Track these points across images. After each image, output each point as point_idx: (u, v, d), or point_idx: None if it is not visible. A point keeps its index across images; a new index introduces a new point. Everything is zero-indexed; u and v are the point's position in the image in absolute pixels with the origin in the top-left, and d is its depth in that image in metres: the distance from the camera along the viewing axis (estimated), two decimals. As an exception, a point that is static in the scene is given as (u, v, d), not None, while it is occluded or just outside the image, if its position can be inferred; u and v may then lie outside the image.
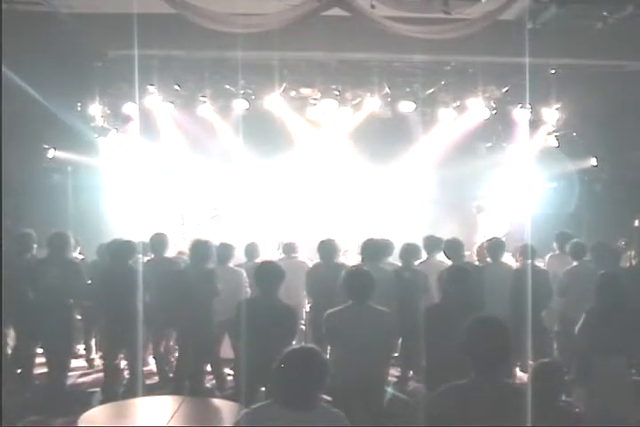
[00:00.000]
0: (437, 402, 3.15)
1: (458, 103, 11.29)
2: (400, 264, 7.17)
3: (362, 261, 6.74)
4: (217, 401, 5.30)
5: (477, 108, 11.13)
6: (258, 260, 7.41)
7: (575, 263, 7.02)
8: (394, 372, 7.02)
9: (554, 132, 11.63)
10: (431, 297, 6.71)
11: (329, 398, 4.27)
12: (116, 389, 6.28)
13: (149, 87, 10.59)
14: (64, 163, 10.57)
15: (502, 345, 3.14)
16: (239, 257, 7.54)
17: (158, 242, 7.10)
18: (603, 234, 8.99)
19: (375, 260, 6.65)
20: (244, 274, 6.81)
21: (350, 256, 8.26)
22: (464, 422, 3.03)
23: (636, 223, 10.25)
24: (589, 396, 5.07)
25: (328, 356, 4.83)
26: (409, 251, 7.12)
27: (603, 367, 5.03)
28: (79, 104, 10.68)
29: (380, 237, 7.12)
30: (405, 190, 11.71)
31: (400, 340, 6.96)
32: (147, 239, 7.44)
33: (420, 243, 7.52)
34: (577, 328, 5.41)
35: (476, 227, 10.77)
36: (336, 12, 7.53)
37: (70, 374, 6.78)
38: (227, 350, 6.60)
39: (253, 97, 10.99)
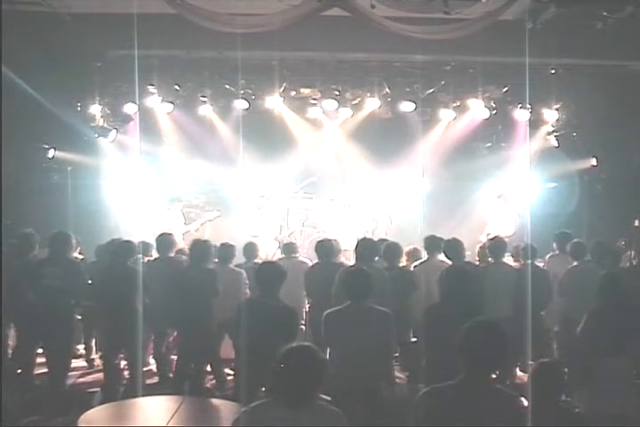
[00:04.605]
0: (423, 402, 3.15)
1: (458, 103, 11.30)
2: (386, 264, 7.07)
3: (356, 260, 6.71)
4: (217, 401, 5.27)
5: (477, 108, 11.13)
6: (257, 260, 7.40)
7: (575, 263, 7.01)
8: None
9: (554, 132, 11.64)
10: (431, 296, 6.70)
11: (328, 398, 4.26)
12: (116, 389, 6.26)
13: (149, 87, 10.60)
14: (64, 163, 10.57)
15: (495, 349, 3.11)
16: (238, 257, 7.52)
17: (164, 242, 7.08)
18: (603, 234, 8.98)
19: (370, 259, 6.61)
20: (244, 274, 6.80)
21: (350, 256, 8.23)
22: (448, 422, 3.02)
23: (636, 223, 10.24)
24: (590, 396, 5.06)
25: (328, 356, 4.83)
26: (392, 250, 7.06)
27: (604, 368, 5.03)
28: (79, 104, 10.69)
29: (373, 237, 7.04)
30: (405, 190, 11.70)
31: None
32: (147, 239, 7.44)
33: (415, 243, 7.47)
34: (578, 329, 5.40)
35: (477, 226, 10.73)
36: (336, 12, 7.54)
37: (70, 374, 6.77)
38: (227, 350, 6.60)
39: (253, 97, 11.00)
